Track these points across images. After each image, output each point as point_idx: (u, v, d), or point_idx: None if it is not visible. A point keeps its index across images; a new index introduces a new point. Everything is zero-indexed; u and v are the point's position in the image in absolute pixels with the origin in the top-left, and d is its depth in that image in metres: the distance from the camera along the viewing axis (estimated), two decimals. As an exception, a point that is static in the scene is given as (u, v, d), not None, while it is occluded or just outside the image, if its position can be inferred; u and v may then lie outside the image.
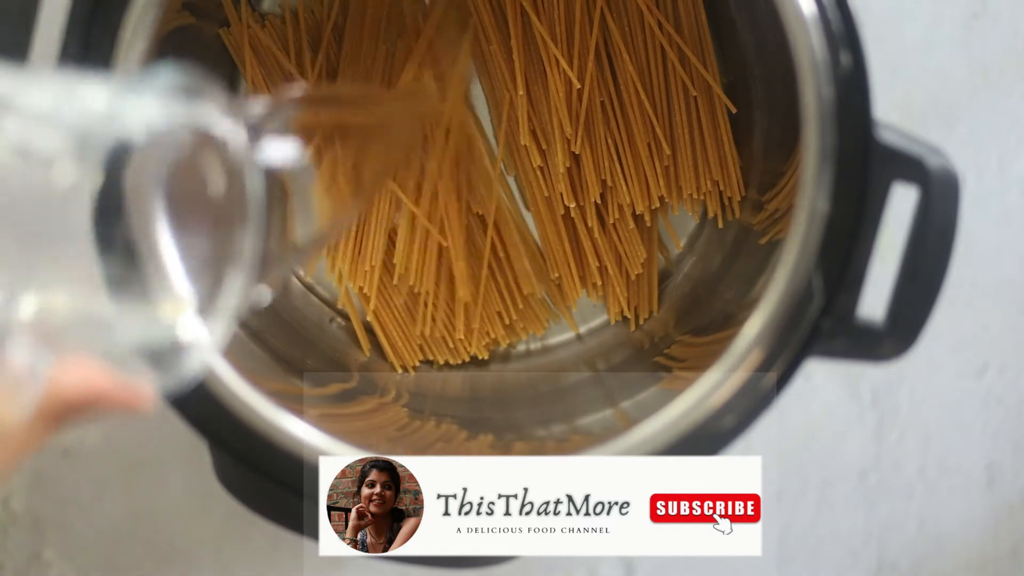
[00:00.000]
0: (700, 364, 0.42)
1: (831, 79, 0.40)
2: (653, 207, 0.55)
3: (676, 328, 0.55)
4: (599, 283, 0.55)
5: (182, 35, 0.49)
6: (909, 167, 0.40)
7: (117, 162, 0.25)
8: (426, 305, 0.55)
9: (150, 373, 0.26)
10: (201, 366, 0.27)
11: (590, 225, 0.55)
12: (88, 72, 0.28)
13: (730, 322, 0.45)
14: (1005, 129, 0.60)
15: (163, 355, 0.26)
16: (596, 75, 0.54)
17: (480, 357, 0.56)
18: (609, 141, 0.54)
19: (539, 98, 0.54)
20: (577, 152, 0.54)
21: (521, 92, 0.54)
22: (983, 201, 0.60)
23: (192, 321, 0.26)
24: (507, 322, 0.56)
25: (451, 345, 0.56)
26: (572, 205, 0.54)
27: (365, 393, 0.54)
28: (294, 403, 0.42)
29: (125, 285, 0.26)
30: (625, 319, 0.56)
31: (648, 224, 0.55)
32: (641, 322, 0.56)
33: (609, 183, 0.54)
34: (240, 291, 0.27)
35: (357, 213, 0.52)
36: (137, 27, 0.40)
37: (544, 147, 0.54)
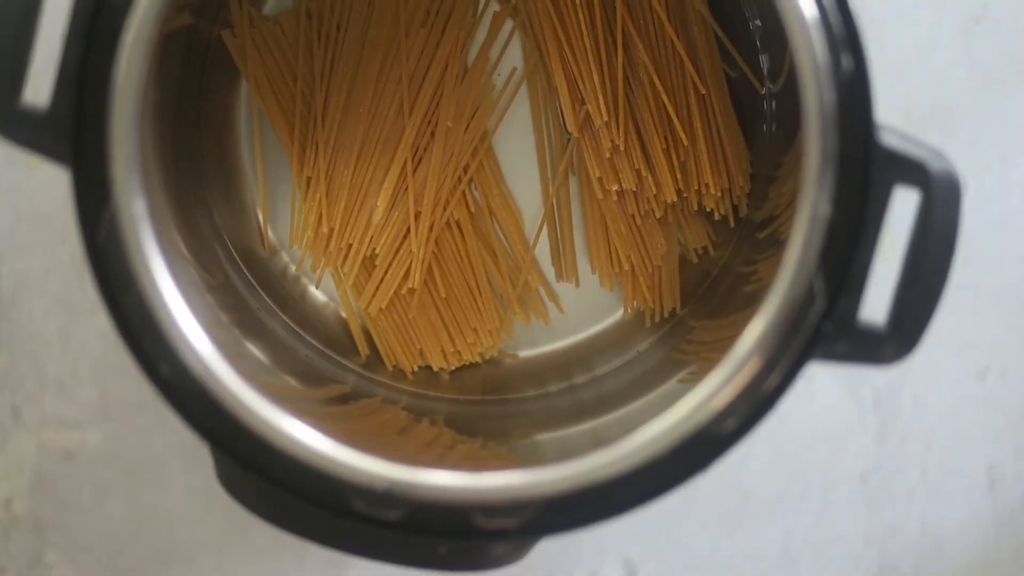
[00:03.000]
0: (707, 366, 0.42)
1: (832, 82, 0.40)
2: (670, 200, 0.55)
3: (690, 318, 0.55)
4: (623, 269, 0.55)
5: (184, 37, 0.49)
6: (911, 170, 0.40)
7: None
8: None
9: None
10: None
11: (631, 212, 0.55)
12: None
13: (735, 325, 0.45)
14: (1007, 133, 0.60)
15: None
16: (626, 66, 0.54)
17: (473, 361, 0.56)
18: (633, 133, 0.54)
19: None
20: (618, 142, 0.54)
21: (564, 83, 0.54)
22: (985, 204, 0.60)
23: None
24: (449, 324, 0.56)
25: (444, 350, 0.56)
26: (615, 188, 0.54)
27: (365, 395, 0.54)
28: (294, 405, 0.42)
29: None
30: (638, 316, 0.56)
31: (663, 216, 0.55)
32: (657, 318, 0.56)
33: (644, 172, 0.54)
34: None
35: None
36: (139, 30, 0.40)
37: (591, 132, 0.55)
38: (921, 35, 0.60)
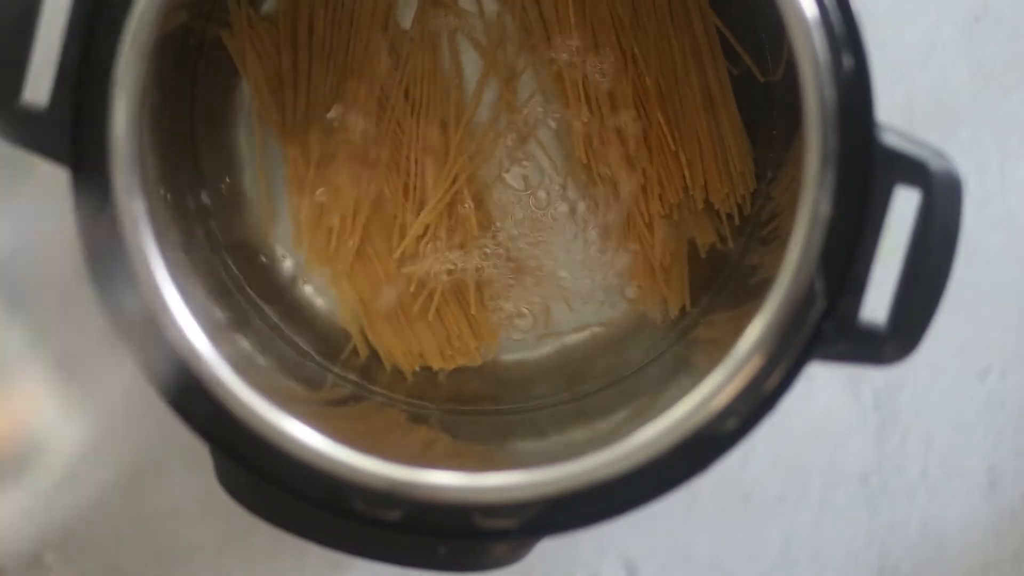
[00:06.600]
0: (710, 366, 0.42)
1: (833, 81, 0.40)
2: (678, 198, 0.55)
3: (698, 316, 0.55)
4: (635, 267, 0.55)
5: (181, 37, 0.49)
6: (912, 170, 0.40)
7: None
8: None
9: None
10: None
11: (640, 210, 0.55)
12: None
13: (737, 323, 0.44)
14: (1007, 132, 0.60)
15: None
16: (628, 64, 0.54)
17: (475, 363, 0.56)
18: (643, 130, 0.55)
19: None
20: (628, 142, 0.54)
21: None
22: (985, 204, 0.60)
23: None
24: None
25: (443, 349, 0.56)
26: (627, 187, 0.55)
27: (365, 396, 0.54)
28: (295, 406, 0.42)
29: None
30: (644, 315, 0.56)
31: (671, 214, 0.55)
32: (671, 315, 0.56)
33: (651, 170, 0.54)
34: None
35: None
36: (137, 31, 0.40)
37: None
38: (921, 34, 0.60)
